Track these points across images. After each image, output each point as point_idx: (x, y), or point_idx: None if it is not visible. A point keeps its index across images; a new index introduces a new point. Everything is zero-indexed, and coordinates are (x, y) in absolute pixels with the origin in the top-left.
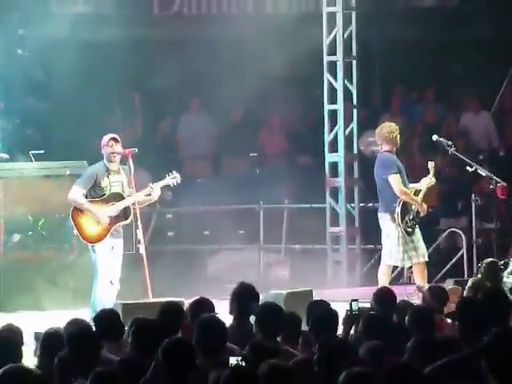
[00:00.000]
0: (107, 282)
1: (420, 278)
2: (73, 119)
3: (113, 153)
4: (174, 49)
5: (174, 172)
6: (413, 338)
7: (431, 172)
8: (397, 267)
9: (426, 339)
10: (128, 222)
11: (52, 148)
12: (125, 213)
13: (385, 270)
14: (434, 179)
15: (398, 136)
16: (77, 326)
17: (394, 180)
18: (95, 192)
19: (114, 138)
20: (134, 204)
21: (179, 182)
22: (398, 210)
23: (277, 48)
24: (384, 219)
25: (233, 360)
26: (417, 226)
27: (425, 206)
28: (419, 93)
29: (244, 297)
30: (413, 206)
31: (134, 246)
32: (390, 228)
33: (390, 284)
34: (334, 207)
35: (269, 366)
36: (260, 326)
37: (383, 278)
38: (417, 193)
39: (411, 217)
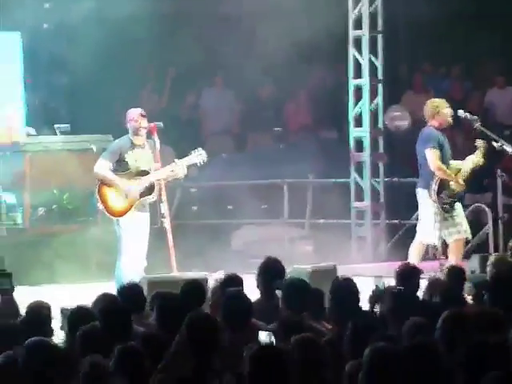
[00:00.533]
0: (131, 256)
1: (455, 255)
2: (98, 93)
3: (139, 127)
4: (197, 23)
5: (199, 149)
6: (442, 314)
7: (479, 151)
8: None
9: (458, 316)
10: (152, 197)
11: (77, 122)
12: (149, 188)
13: (417, 246)
14: (481, 159)
15: (445, 111)
16: (108, 300)
17: (431, 155)
18: (120, 166)
19: (141, 113)
20: (158, 179)
21: (205, 160)
22: (435, 186)
23: (302, 22)
24: (421, 195)
25: (262, 334)
26: (456, 202)
27: (461, 182)
28: (446, 68)
29: (270, 271)
30: (451, 183)
31: (158, 219)
32: (426, 204)
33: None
34: (359, 182)
35: (300, 338)
36: (286, 302)
37: (414, 254)
38: (458, 170)
39: (448, 193)
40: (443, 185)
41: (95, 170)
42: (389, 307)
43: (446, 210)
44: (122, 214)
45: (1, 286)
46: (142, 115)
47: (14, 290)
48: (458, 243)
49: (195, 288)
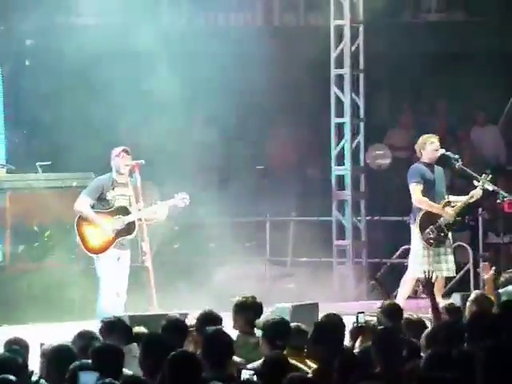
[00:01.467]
0: (111, 293)
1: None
2: (80, 131)
3: (125, 164)
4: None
5: (183, 193)
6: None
7: (481, 184)
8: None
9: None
10: (131, 236)
11: (59, 160)
12: (128, 228)
13: (407, 281)
14: (480, 192)
15: (431, 146)
16: (87, 338)
17: (413, 189)
18: (101, 204)
19: (125, 150)
20: (139, 219)
21: (187, 203)
22: (418, 219)
23: (284, 60)
24: (412, 230)
25: (245, 374)
26: (445, 237)
27: (450, 212)
28: (430, 106)
29: (248, 309)
30: (442, 218)
31: (140, 258)
32: (415, 239)
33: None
34: (341, 220)
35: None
36: (268, 340)
37: (403, 288)
38: (446, 202)
39: (436, 227)
40: (429, 219)
41: (75, 206)
42: (374, 344)
43: (432, 244)
44: (98, 251)
45: None
46: (127, 152)
47: None
48: (438, 281)
49: (176, 326)
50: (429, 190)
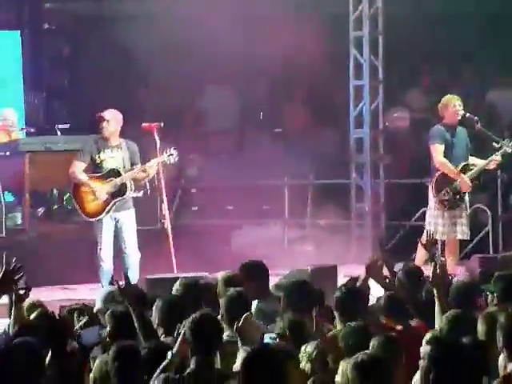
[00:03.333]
0: (108, 257)
1: (448, 255)
2: (98, 93)
3: (102, 128)
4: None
5: (171, 149)
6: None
7: (501, 148)
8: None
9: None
10: (125, 197)
11: (78, 122)
12: (120, 189)
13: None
14: (499, 158)
15: (452, 107)
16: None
17: (433, 150)
18: (94, 167)
19: (102, 115)
20: (159, 180)
21: (176, 160)
22: (434, 180)
23: (302, 22)
24: (429, 191)
25: (267, 338)
26: (460, 201)
27: (466, 181)
28: (446, 68)
29: (259, 275)
30: (457, 181)
31: (158, 220)
32: (430, 199)
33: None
34: (359, 183)
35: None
36: (289, 303)
37: (420, 251)
38: (468, 167)
39: (451, 190)
40: (445, 181)
41: (69, 172)
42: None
43: (445, 206)
44: (94, 216)
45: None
46: (102, 117)
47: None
48: (451, 243)
49: (194, 287)
50: (448, 153)
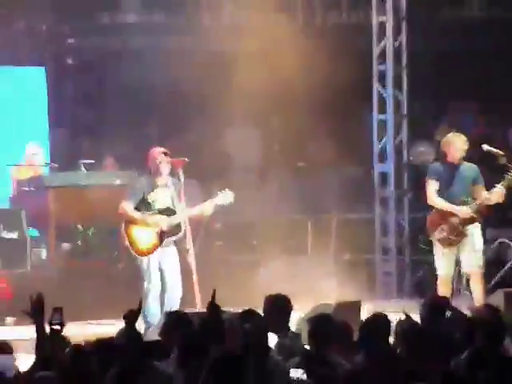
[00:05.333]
0: (155, 294)
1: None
2: (122, 129)
3: (160, 168)
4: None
5: (226, 190)
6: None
7: (505, 181)
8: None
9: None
10: (180, 236)
11: (102, 158)
12: (177, 226)
13: (439, 281)
14: (504, 189)
15: (455, 145)
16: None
17: (426, 186)
18: (144, 206)
19: (164, 152)
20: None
21: (232, 201)
22: (429, 217)
23: (325, 58)
24: None
25: (295, 373)
26: (460, 235)
27: (458, 210)
28: (470, 104)
29: (280, 310)
30: (454, 217)
31: (183, 255)
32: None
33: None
34: (384, 217)
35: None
36: (311, 337)
37: (439, 288)
38: (467, 203)
39: (446, 226)
40: (440, 217)
41: (120, 211)
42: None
43: (444, 244)
44: (148, 253)
45: (54, 320)
46: (164, 153)
47: (64, 324)
48: (472, 277)
49: (215, 323)
50: (444, 189)
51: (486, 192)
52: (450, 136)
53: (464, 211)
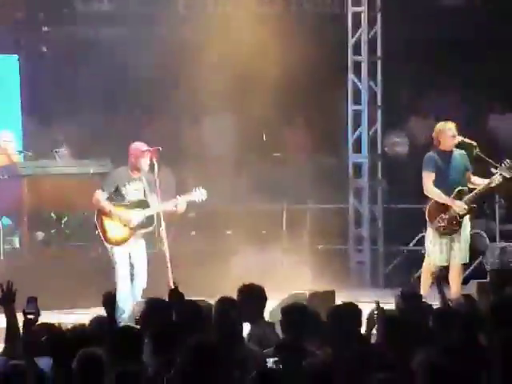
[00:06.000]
0: (127, 282)
1: (451, 279)
2: (97, 117)
3: (138, 166)
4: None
5: (200, 188)
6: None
7: (499, 172)
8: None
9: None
10: (151, 229)
11: (76, 146)
12: (149, 220)
13: (425, 269)
14: (499, 178)
15: (449, 133)
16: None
17: (423, 178)
18: (118, 197)
19: (142, 150)
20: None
21: (204, 199)
22: (428, 207)
23: (300, 48)
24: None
25: (269, 362)
26: (457, 226)
27: (458, 205)
28: (448, 93)
29: (254, 300)
30: (453, 207)
31: (157, 244)
32: (428, 225)
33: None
34: (358, 208)
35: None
36: (284, 327)
37: (422, 276)
38: (464, 192)
39: (446, 216)
40: (438, 208)
41: (93, 201)
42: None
43: (443, 233)
44: (120, 242)
45: (28, 310)
46: (143, 152)
47: (39, 314)
48: (453, 268)
49: (192, 311)
50: (442, 179)
51: (484, 179)
52: (442, 124)
53: (460, 205)
